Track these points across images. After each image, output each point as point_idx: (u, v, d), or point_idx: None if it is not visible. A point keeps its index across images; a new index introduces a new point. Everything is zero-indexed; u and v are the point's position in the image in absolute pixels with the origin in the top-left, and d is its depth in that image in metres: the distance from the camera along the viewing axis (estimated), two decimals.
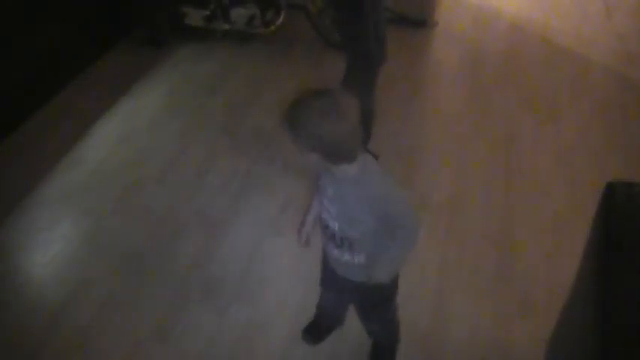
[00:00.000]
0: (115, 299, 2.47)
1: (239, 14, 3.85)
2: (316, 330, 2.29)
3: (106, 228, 2.77)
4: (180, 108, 3.50)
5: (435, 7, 4.29)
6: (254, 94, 3.58)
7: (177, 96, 3.60)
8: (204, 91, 3.62)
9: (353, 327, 2.23)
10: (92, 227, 2.78)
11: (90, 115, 3.39)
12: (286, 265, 2.59)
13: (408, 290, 2.45)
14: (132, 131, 3.31)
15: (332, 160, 1.53)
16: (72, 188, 2.96)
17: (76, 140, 3.23)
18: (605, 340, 1.27)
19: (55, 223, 2.80)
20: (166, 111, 3.48)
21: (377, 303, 1.96)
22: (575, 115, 3.44)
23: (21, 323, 2.38)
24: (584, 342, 1.41)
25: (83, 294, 2.49)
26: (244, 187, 2.94)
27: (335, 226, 1.68)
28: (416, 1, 2.64)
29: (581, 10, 4.43)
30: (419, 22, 4.12)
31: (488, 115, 3.42)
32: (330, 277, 1.93)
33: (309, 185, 2.70)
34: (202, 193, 2.93)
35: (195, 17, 3.88)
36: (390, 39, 2.76)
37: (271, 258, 2.62)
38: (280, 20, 3.88)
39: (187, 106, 3.52)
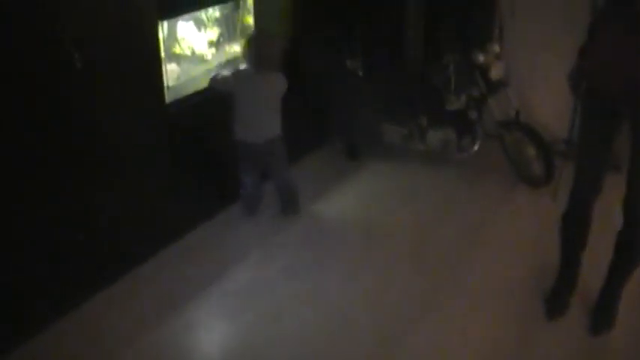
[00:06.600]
0: None
1: (436, 137, 3.97)
2: None
3: None
4: (368, 221, 3.62)
5: None
6: (439, 217, 3.63)
7: (365, 206, 3.75)
8: (393, 205, 3.73)
9: None
10: None
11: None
12: None
13: None
14: None
15: None
16: None
17: None
18: None
19: None
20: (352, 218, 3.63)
21: None
22: None
23: None
24: None
25: None
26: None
27: None
28: None
29: None
30: None
31: None
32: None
33: None
34: None
35: (393, 135, 4.07)
36: None
37: None
38: (475, 148, 3.93)
39: (376, 219, 3.63)
